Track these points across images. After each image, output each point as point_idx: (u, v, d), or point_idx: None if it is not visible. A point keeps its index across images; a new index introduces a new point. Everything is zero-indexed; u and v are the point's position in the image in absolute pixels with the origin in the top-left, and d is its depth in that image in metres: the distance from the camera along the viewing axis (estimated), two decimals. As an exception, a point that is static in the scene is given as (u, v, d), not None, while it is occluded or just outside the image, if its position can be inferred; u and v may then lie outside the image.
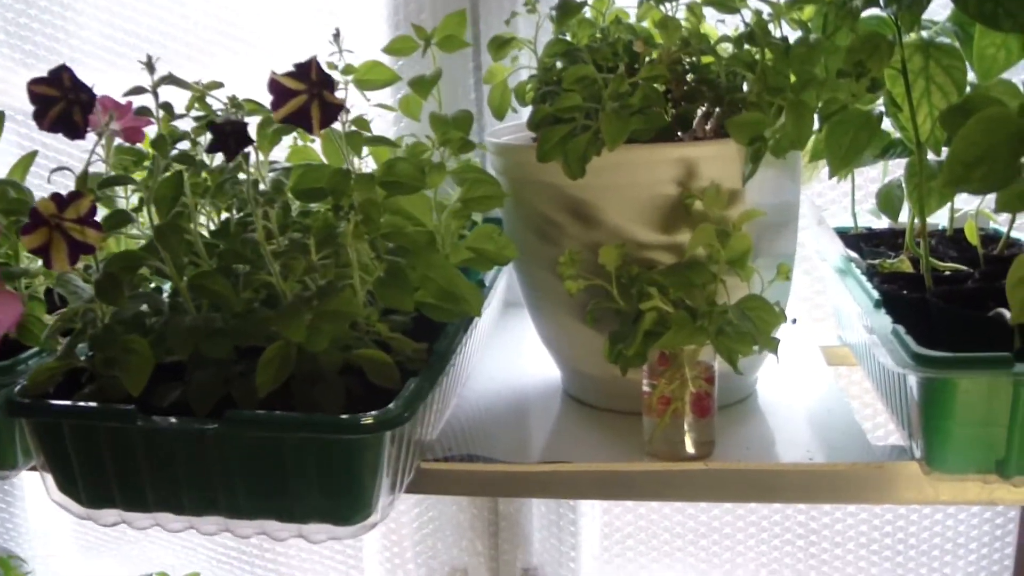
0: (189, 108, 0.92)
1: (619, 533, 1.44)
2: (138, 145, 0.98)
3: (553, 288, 0.98)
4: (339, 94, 0.98)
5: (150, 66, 0.81)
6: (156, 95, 0.83)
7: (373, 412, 0.77)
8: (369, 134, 0.88)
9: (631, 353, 0.88)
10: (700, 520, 1.41)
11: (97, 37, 1.39)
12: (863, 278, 1.01)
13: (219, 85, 0.92)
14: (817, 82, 0.90)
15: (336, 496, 0.80)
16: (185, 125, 0.92)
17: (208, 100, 0.93)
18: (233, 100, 0.91)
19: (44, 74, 0.77)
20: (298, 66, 0.78)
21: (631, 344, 0.88)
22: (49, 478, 0.87)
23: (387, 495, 0.83)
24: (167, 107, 0.85)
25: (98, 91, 0.93)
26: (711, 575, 1.45)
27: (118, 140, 0.96)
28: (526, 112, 1.06)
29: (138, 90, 0.82)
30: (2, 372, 0.91)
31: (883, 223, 1.21)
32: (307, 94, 0.79)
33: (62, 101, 0.77)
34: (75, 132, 0.78)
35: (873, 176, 1.26)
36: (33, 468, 0.96)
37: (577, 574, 1.44)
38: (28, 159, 1.00)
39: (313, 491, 0.80)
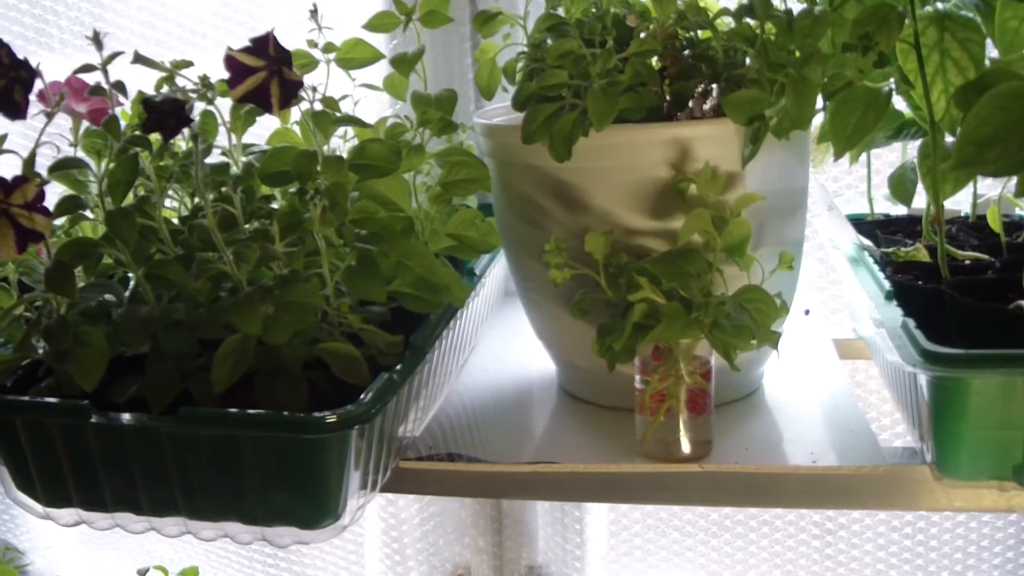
0: (157, 89, 0.88)
1: (627, 531, 1.39)
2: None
3: (542, 278, 0.93)
4: (319, 73, 0.94)
5: (97, 42, 0.76)
6: (106, 73, 0.78)
7: (337, 409, 0.73)
8: (339, 114, 0.83)
9: (619, 347, 0.83)
10: (711, 519, 1.35)
11: (87, 18, 1.35)
12: (875, 267, 0.94)
13: (188, 64, 0.87)
14: (821, 57, 0.84)
15: (300, 498, 0.76)
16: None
17: (179, 80, 0.88)
18: (204, 80, 0.86)
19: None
20: (255, 41, 0.73)
21: (619, 338, 0.83)
22: (6, 475, 0.83)
23: (357, 496, 0.78)
24: (120, 86, 0.80)
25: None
26: (723, 576, 1.40)
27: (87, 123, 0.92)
28: (518, 91, 1.01)
29: (87, 68, 0.78)
30: (-40, 364, 0.87)
31: (901, 209, 1.14)
32: (266, 71, 0.74)
33: (2, 79, 0.73)
34: (15, 112, 0.74)
35: (892, 159, 1.19)
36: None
37: (583, 573, 1.40)
38: (-3, 142, 0.96)
39: (275, 493, 0.76)
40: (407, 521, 1.42)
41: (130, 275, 0.93)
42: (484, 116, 1.00)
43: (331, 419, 0.72)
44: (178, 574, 1.48)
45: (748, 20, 0.88)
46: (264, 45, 0.73)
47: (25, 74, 0.73)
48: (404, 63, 0.92)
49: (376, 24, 0.96)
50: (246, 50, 0.73)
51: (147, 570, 1.47)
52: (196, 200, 0.90)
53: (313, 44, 0.93)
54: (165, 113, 0.69)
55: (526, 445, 0.94)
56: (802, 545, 1.34)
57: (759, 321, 0.84)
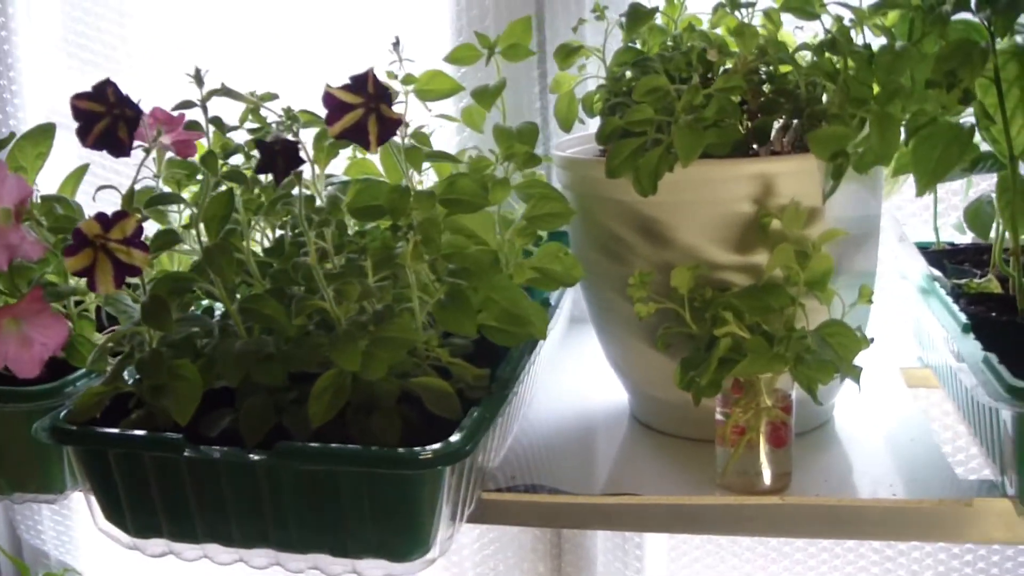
0: (242, 121, 0.89)
1: (686, 557, 1.39)
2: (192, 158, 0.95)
3: (621, 310, 0.94)
4: (399, 105, 0.95)
5: (198, 79, 0.77)
6: (205, 109, 0.80)
7: (432, 446, 0.73)
8: (429, 149, 0.84)
9: (705, 382, 0.83)
10: (770, 545, 1.35)
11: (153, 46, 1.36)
12: (948, 299, 0.95)
13: (274, 96, 0.89)
14: (904, 93, 0.85)
15: (393, 532, 0.77)
16: (238, 137, 0.89)
17: (263, 112, 0.89)
18: (288, 112, 0.87)
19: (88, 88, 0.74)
20: (354, 79, 0.74)
21: (705, 372, 0.83)
22: (95, 505, 0.84)
23: (446, 529, 0.79)
24: (217, 122, 0.81)
25: (157, 102, 0.90)
26: (781, 602, 1.40)
27: (170, 153, 0.92)
28: (594, 123, 1.01)
29: (187, 104, 0.79)
30: (49, 394, 0.88)
31: (966, 238, 1.15)
32: (364, 108, 0.75)
33: (107, 117, 0.74)
34: (119, 150, 0.74)
35: (955, 188, 1.20)
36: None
37: (641, 599, 1.40)
38: (79, 173, 0.97)
39: (368, 526, 0.77)
40: (467, 546, 1.43)
41: (215, 307, 0.94)
42: (560, 148, 1.01)
43: (427, 455, 0.73)
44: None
45: (829, 55, 0.89)
46: (363, 82, 0.74)
47: (130, 112, 0.74)
48: (485, 96, 0.93)
49: (457, 57, 0.97)
50: (345, 87, 0.74)
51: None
52: (279, 232, 0.91)
53: (393, 76, 0.94)
54: (276, 153, 0.70)
55: (603, 476, 0.95)
56: (861, 572, 1.34)
57: (842, 355, 0.84)
